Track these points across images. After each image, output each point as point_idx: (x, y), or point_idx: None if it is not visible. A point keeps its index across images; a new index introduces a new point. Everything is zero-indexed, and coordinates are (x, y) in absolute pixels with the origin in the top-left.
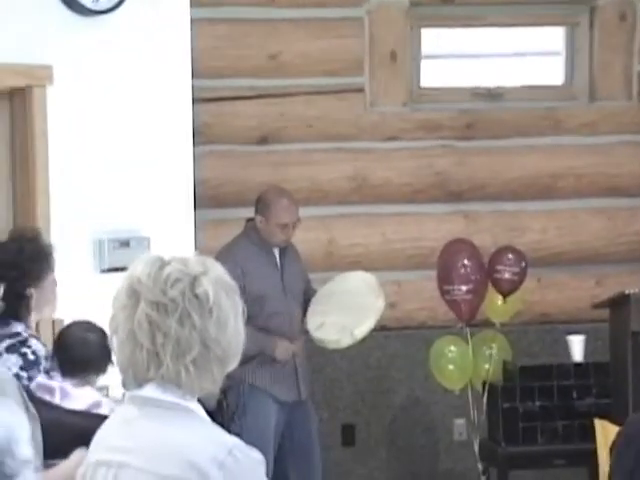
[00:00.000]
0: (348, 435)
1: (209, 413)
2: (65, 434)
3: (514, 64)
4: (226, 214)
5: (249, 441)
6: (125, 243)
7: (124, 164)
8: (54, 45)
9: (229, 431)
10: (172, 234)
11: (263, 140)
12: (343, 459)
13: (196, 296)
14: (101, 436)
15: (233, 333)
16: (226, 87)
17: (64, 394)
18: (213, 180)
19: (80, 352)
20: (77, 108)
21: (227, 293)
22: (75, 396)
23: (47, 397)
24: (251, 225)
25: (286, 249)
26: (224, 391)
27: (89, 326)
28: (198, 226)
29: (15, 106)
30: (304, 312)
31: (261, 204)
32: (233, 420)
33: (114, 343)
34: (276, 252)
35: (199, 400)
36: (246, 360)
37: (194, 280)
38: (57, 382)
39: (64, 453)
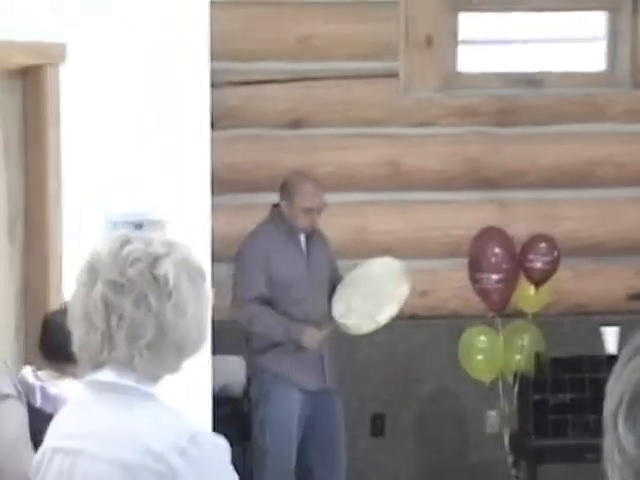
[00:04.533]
0: (377, 425)
1: (235, 400)
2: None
3: (554, 50)
4: (257, 198)
5: (272, 430)
6: (138, 225)
7: (138, 146)
8: (68, 23)
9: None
10: (188, 218)
11: (294, 124)
12: (372, 449)
13: (155, 277)
14: (58, 422)
15: (193, 319)
16: (257, 70)
17: (44, 395)
18: (243, 164)
19: (60, 339)
20: (91, 88)
21: (190, 277)
22: (55, 395)
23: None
24: (276, 211)
25: (313, 235)
26: (249, 379)
27: None
28: (226, 211)
29: (28, 85)
30: (330, 299)
31: (285, 189)
32: (257, 408)
33: (70, 322)
34: (302, 238)
35: (226, 387)
36: (272, 345)
37: (154, 261)
38: (38, 380)
39: None
